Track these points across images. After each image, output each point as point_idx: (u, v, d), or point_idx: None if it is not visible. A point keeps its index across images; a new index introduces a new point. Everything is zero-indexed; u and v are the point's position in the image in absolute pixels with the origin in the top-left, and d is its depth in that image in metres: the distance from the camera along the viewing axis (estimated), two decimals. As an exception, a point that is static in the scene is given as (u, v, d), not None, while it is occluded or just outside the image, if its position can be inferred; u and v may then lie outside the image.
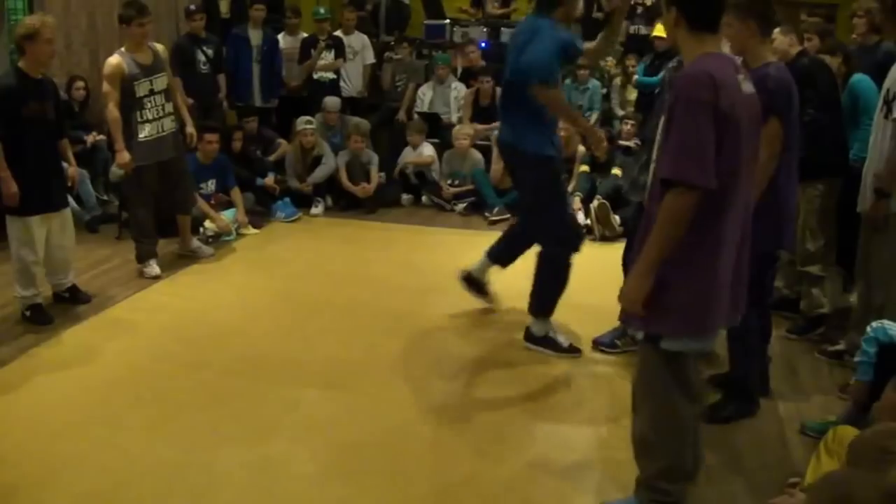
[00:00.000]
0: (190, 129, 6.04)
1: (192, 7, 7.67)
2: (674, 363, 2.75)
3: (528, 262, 4.64)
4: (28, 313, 4.90)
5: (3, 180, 4.62)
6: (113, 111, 5.44)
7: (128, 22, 5.51)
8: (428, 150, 7.93)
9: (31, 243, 4.81)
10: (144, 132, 5.53)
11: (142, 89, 5.50)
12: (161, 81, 5.62)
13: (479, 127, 8.03)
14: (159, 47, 5.78)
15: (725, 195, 2.54)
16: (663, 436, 2.84)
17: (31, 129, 4.71)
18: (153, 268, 5.76)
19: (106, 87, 5.46)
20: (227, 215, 6.71)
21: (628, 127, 7.49)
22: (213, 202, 6.72)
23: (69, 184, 5.22)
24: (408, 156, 7.93)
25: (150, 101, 5.55)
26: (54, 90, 4.97)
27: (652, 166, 2.61)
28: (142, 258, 5.79)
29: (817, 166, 4.37)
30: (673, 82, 2.60)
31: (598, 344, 4.59)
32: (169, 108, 5.68)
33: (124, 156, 5.49)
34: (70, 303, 5.17)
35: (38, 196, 4.77)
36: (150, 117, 5.56)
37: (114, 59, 5.47)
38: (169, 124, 5.68)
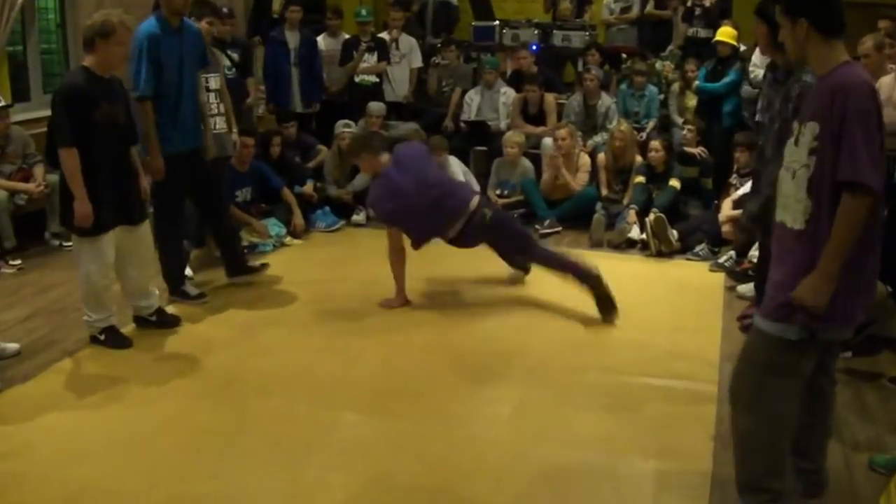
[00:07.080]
0: (234, 136, 5.84)
1: (225, 10, 7.41)
2: (806, 355, 2.78)
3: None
4: (102, 336, 4.49)
5: (78, 199, 4.15)
6: None
7: (198, 17, 5.43)
8: (454, 165, 7.26)
9: (102, 263, 4.34)
10: None
11: None
12: (216, 81, 5.55)
13: (531, 129, 7.71)
14: (216, 51, 5.80)
15: (880, 194, 2.69)
16: (770, 432, 2.84)
17: (104, 135, 4.23)
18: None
19: None
20: (269, 224, 6.51)
21: (688, 133, 7.07)
22: (253, 212, 6.53)
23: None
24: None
25: (204, 98, 5.41)
26: (123, 91, 4.49)
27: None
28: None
29: None
30: (834, 92, 2.59)
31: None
32: (221, 108, 5.58)
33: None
34: (156, 327, 4.73)
35: (113, 210, 4.30)
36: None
37: None
38: (220, 124, 5.57)
